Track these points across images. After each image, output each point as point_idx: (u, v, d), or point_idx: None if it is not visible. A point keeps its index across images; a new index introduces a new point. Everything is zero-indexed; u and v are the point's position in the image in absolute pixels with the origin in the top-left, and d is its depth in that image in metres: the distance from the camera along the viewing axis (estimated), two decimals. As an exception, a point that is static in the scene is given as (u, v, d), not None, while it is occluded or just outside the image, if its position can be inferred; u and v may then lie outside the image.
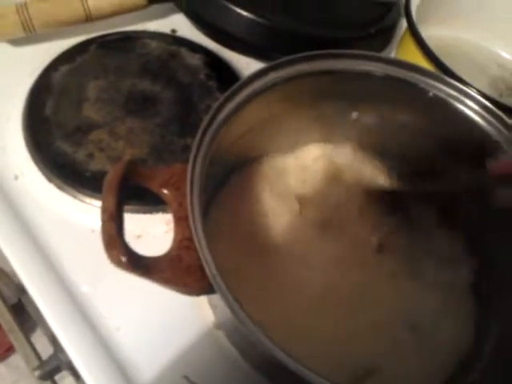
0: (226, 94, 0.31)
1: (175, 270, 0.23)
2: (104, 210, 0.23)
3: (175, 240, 0.25)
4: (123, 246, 0.22)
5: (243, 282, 0.27)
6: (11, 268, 0.71)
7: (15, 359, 0.99)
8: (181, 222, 0.25)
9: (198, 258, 0.23)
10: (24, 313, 0.63)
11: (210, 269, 0.22)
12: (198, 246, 0.23)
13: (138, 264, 0.23)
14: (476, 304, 0.34)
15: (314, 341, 0.29)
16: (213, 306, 0.33)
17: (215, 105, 0.30)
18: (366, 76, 0.35)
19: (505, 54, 0.53)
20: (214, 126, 0.29)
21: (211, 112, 0.30)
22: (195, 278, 0.23)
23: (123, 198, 0.24)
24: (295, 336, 0.27)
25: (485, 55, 0.52)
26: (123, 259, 0.22)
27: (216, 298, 0.29)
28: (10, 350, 0.98)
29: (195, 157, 0.26)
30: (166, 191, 0.26)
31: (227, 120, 0.30)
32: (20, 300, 0.72)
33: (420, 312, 0.33)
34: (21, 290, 0.77)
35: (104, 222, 0.23)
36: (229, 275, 0.23)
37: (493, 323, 0.33)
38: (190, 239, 0.25)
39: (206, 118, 0.29)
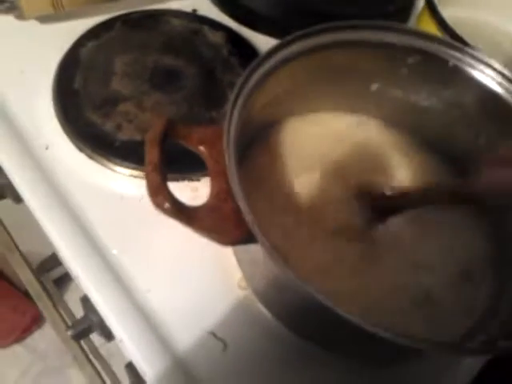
0: (254, 62, 0.32)
1: (214, 219, 0.25)
2: (149, 161, 0.25)
3: (212, 193, 0.27)
4: (168, 194, 0.24)
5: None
6: (28, 249, 0.74)
7: (33, 341, 1.02)
8: (217, 176, 0.27)
9: (235, 208, 0.25)
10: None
11: (248, 216, 0.24)
12: (236, 195, 0.24)
13: (181, 211, 0.24)
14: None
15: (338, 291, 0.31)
16: (242, 262, 0.35)
17: (244, 73, 0.31)
18: (387, 47, 0.36)
19: (520, 33, 0.54)
20: (245, 91, 0.31)
21: (241, 79, 0.31)
22: (233, 226, 0.25)
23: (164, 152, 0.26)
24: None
25: (499, 34, 0.53)
26: (167, 205, 0.24)
27: (247, 250, 0.31)
28: (26, 331, 1.00)
29: (230, 117, 0.28)
30: (202, 148, 0.28)
31: (256, 86, 0.32)
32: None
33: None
34: (40, 270, 0.80)
35: (148, 172, 0.24)
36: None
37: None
38: (227, 192, 0.26)
39: (238, 83, 0.30)
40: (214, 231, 0.25)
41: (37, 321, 1.00)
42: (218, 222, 0.25)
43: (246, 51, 0.49)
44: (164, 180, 0.24)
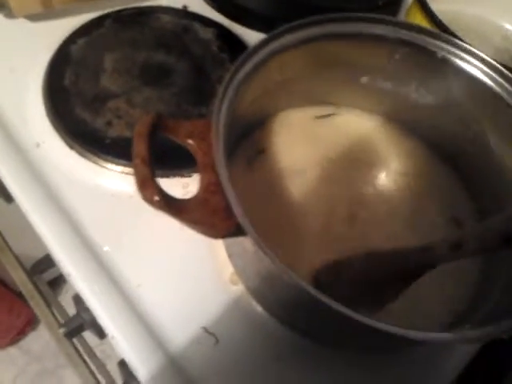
0: (244, 55, 0.32)
1: (203, 211, 0.25)
2: (136, 154, 0.25)
3: (201, 185, 0.26)
4: (156, 187, 0.24)
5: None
6: (21, 251, 0.73)
7: (27, 342, 1.01)
8: (206, 169, 0.27)
9: (224, 201, 0.25)
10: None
11: (237, 208, 0.24)
12: (224, 186, 0.24)
13: (170, 204, 0.24)
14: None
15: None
16: (233, 257, 0.34)
17: (234, 65, 0.31)
18: (376, 39, 0.36)
19: (509, 26, 0.54)
20: (235, 84, 0.31)
21: (231, 71, 0.31)
22: (221, 218, 0.25)
23: (152, 146, 0.26)
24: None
25: (489, 28, 0.53)
26: (156, 198, 0.23)
27: (237, 244, 0.31)
28: (21, 333, 1.00)
29: (219, 110, 0.28)
30: (191, 141, 0.28)
31: (246, 79, 0.32)
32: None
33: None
34: (33, 272, 0.79)
35: (137, 165, 0.24)
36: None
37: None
38: (216, 184, 0.26)
39: (227, 76, 0.30)
40: (203, 224, 0.25)
41: (31, 322, 1.00)
42: (207, 215, 0.25)
43: (236, 47, 0.49)
44: (152, 173, 0.24)
